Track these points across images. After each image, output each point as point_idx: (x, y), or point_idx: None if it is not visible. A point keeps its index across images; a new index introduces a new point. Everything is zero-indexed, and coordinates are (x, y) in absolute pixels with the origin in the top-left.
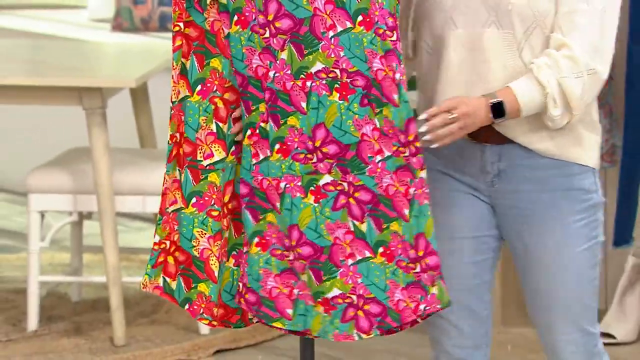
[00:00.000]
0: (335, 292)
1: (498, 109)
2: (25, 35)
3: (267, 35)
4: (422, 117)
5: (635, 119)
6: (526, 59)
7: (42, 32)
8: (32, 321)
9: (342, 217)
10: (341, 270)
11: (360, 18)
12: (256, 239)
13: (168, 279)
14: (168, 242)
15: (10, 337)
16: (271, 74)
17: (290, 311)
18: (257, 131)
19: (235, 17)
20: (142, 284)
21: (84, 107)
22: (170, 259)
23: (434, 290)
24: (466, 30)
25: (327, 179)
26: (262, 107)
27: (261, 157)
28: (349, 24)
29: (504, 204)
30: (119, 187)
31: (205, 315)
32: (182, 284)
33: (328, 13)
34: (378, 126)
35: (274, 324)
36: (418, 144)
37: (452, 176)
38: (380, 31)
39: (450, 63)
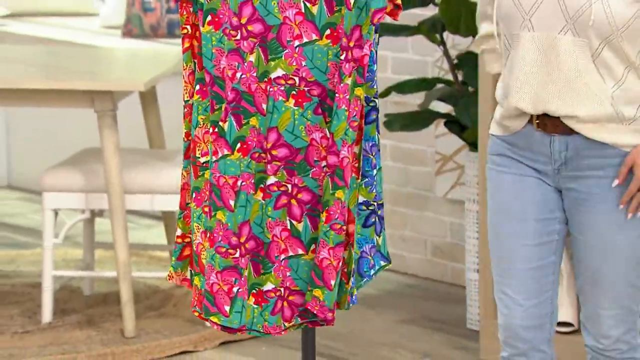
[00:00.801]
0: (269, 286)
1: None
2: (40, 41)
3: (238, 37)
4: (613, 183)
5: None
6: (599, 65)
7: (56, 38)
8: (47, 314)
9: (281, 216)
10: (275, 265)
11: (328, 32)
12: (208, 235)
13: (193, 272)
14: (192, 236)
15: (26, 329)
16: (238, 75)
17: (227, 308)
18: (217, 129)
19: (209, 17)
20: (168, 275)
21: (95, 110)
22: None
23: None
24: (542, 33)
25: (272, 180)
26: (224, 107)
27: (219, 154)
28: (314, 36)
29: (568, 187)
30: (129, 186)
31: (197, 308)
32: (193, 276)
33: (297, 23)
34: (328, 135)
35: (211, 318)
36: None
37: (521, 162)
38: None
39: (524, 62)
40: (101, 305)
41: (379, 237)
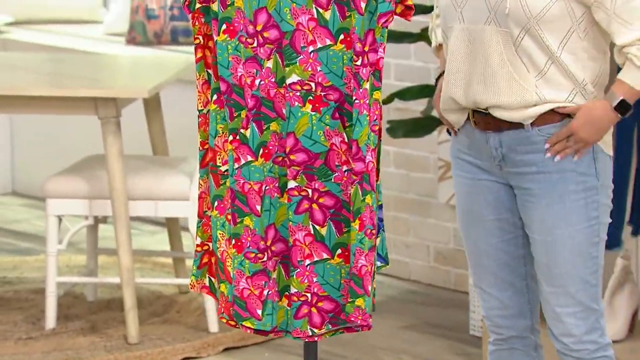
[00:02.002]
0: (293, 290)
1: (622, 107)
2: (44, 48)
3: (255, 44)
4: (545, 146)
5: (623, 124)
6: (521, 55)
7: (60, 45)
8: (51, 320)
9: (303, 221)
10: (298, 270)
11: (342, 37)
12: (233, 241)
13: (213, 279)
14: (210, 244)
15: (30, 335)
16: (257, 82)
17: (259, 311)
18: (238, 137)
19: (224, 26)
20: (190, 284)
21: (99, 117)
22: (213, 260)
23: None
24: (471, 25)
25: (292, 184)
26: (243, 114)
27: (242, 161)
28: (329, 41)
29: (513, 184)
30: (133, 192)
31: (224, 315)
32: (216, 284)
33: (310, 29)
34: (346, 140)
35: (244, 323)
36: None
37: (473, 164)
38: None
39: (455, 53)
40: (105, 311)
41: (377, 237)
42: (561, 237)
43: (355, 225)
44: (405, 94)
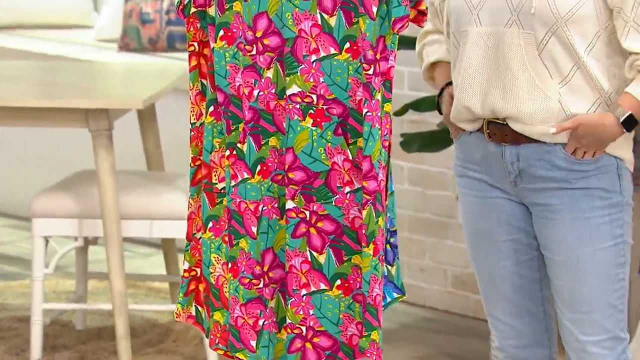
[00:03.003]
0: (287, 321)
1: (629, 122)
2: (30, 55)
3: (254, 52)
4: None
5: None
6: (545, 59)
7: (47, 52)
8: (36, 350)
9: (300, 246)
10: (293, 299)
11: (347, 45)
12: (230, 265)
13: (200, 308)
14: (199, 270)
15: None
16: (255, 92)
17: (253, 343)
18: (235, 152)
19: (222, 32)
20: (175, 313)
21: (90, 129)
22: (201, 287)
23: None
24: (489, 28)
25: (290, 204)
26: (241, 127)
27: (239, 178)
28: (333, 50)
29: (529, 202)
30: (126, 211)
31: (220, 346)
32: (206, 313)
33: (313, 36)
34: (350, 157)
35: (237, 355)
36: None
37: (485, 181)
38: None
39: (471, 59)
40: (95, 340)
41: (392, 266)
42: (586, 258)
43: (369, 250)
44: (420, 105)
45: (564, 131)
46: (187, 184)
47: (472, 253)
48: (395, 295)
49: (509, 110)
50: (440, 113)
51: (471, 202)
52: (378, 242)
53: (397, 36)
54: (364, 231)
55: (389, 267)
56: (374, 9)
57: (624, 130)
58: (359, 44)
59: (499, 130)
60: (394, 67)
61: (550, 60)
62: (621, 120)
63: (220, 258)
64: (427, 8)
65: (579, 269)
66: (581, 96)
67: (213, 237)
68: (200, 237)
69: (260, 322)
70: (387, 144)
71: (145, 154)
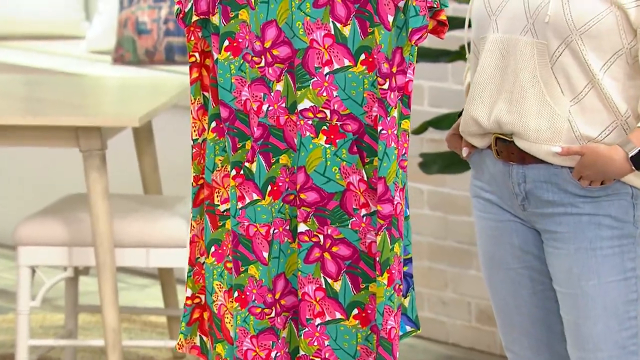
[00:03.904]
0: (300, 352)
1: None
2: (17, 69)
3: (262, 64)
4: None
5: None
6: (558, 73)
7: (32, 65)
8: None
9: (314, 272)
10: (306, 329)
11: (362, 57)
12: (236, 294)
13: (205, 338)
14: (203, 297)
15: None
16: (264, 107)
17: None
18: (242, 171)
19: (227, 42)
20: (178, 344)
21: (81, 149)
22: (205, 315)
23: None
24: (505, 35)
25: (302, 227)
26: (249, 145)
27: (247, 200)
28: (347, 62)
29: (538, 228)
30: (120, 238)
31: None
32: (210, 344)
33: (326, 47)
34: (365, 178)
35: None
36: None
37: (496, 204)
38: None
39: (484, 66)
40: None
41: (406, 297)
42: (591, 291)
43: (384, 279)
44: (441, 123)
45: (570, 155)
46: (187, 209)
47: (487, 282)
48: (408, 328)
49: (514, 125)
50: None
51: (484, 225)
52: (393, 271)
53: (416, 48)
54: (378, 258)
55: (403, 298)
56: (390, 19)
57: (633, 167)
58: (375, 56)
59: (505, 147)
60: (412, 81)
61: (563, 75)
62: (630, 155)
63: (222, 285)
64: (447, 18)
65: (584, 303)
66: (594, 117)
67: (215, 262)
68: (203, 262)
69: (273, 354)
70: (405, 164)
71: (141, 176)
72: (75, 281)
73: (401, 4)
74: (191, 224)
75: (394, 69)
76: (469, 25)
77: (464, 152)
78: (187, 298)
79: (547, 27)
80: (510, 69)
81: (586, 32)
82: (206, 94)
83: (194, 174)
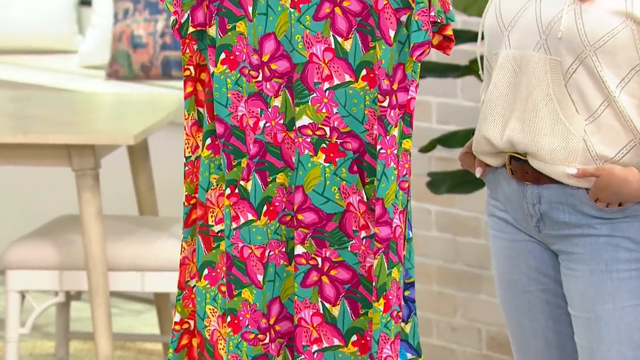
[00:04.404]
0: None
1: None
2: (6, 84)
3: (259, 78)
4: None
5: None
6: (572, 91)
7: (24, 81)
8: None
9: (311, 297)
10: (302, 357)
11: (364, 72)
12: (228, 318)
13: None
14: (192, 322)
15: None
16: (261, 123)
17: None
18: (237, 190)
19: (223, 55)
20: None
21: (73, 168)
22: (194, 342)
23: None
24: (517, 52)
25: (299, 249)
26: (244, 163)
27: (242, 220)
28: (348, 78)
29: (556, 249)
30: (114, 261)
31: None
32: None
33: (326, 62)
34: (365, 199)
35: None
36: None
37: (511, 223)
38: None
39: (496, 84)
40: None
41: (407, 323)
42: (605, 316)
43: (380, 305)
44: (449, 140)
45: (586, 177)
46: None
47: (502, 304)
48: (409, 356)
49: (527, 144)
50: None
51: (500, 245)
52: (390, 297)
53: (419, 64)
54: (374, 283)
55: (403, 324)
56: (392, 33)
57: None
58: (376, 72)
59: (519, 167)
60: (414, 99)
61: (577, 93)
62: None
63: (215, 310)
64: (455, 32)
65: (598, 328)
66: (611, 136)
67: (208, 285)
68: (194, 286)
69: None
70: (406, 185)
71: (136, 196)
72: (67, 307)
73: (403, 18)
74: (182, 246)
75: (395, 86)
76: (482, 39)
77: (478, 171)
78: (176, 323)
79: (560, 43)
80: (523, 87)
81: (601, 48)
82: (201, 109)
83: (186, 193)
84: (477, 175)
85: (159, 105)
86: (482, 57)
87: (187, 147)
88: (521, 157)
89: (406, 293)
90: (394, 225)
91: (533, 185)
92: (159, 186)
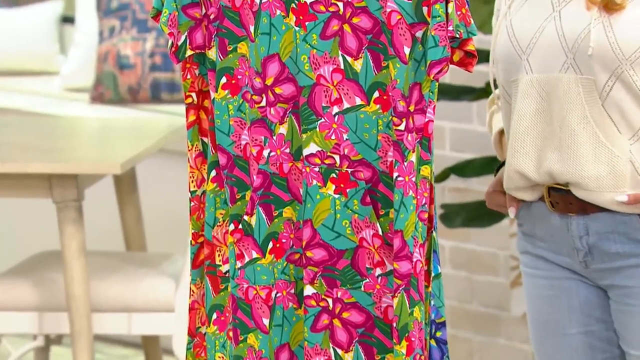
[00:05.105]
0: None
1: None
2: None
3: (263, 103)
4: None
5: None
6: (610, 110)
7: (1, 105)
8: None
9: (322, 342)
10: None
11: (376, 94)
12: None
13: None
14: None
15: None
16: (265, 153)
17: None
18: (241, 226)
19: (224, 79)
20: None
21: (54, 200)
22: None
23: None
24: (542, 75)
25: (308, 290)
26: (248, 196)
27: (246, 259)
28: (359, 101)
29: (605, 284)
30: (98, 302)
31: None
32: None
33: (335, 84)
34: (380, 232)
35: None
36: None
37: (550, 260)
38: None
39: (522, 114)
40: None
41: None
42: None
43: (402, 348)
44: (464, 169)
45: (638, 202)
46: (176, 268)
47: (537, 348)
48: None
49: (569, 174)
50: None
51: (535, 284)
52: (413, 338)
53: (437, 84)
54: (395, 324)
55: None
56: (407, 50)
57: None
58: (390, 93)
59: (561, 198)
60: (432, 121)
61: (617, 111)
62: None
63: (225, 358)
64: (475, 49)
65: None
66: None
67: (217, 331)
68: (205, 332)
69: None
70: (425, 216)
71: (123, 230)
72: (46, 351)
73: (419, 34)
74: (190, 289)
75: (412, 108)
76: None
77: (511, 212)
78: None
79: (592, 60)
80: (555, 112)
81: (637, 60)
82: (205, 139)
83: (193, 231)
84: (511, 216)
85: (147, 131)
86: (494, 81)
87: (192, 181)
88: (562, 188)
89: (438, 334)
90: (414, 259)
91: (579, 217)
92: (148, 219)
